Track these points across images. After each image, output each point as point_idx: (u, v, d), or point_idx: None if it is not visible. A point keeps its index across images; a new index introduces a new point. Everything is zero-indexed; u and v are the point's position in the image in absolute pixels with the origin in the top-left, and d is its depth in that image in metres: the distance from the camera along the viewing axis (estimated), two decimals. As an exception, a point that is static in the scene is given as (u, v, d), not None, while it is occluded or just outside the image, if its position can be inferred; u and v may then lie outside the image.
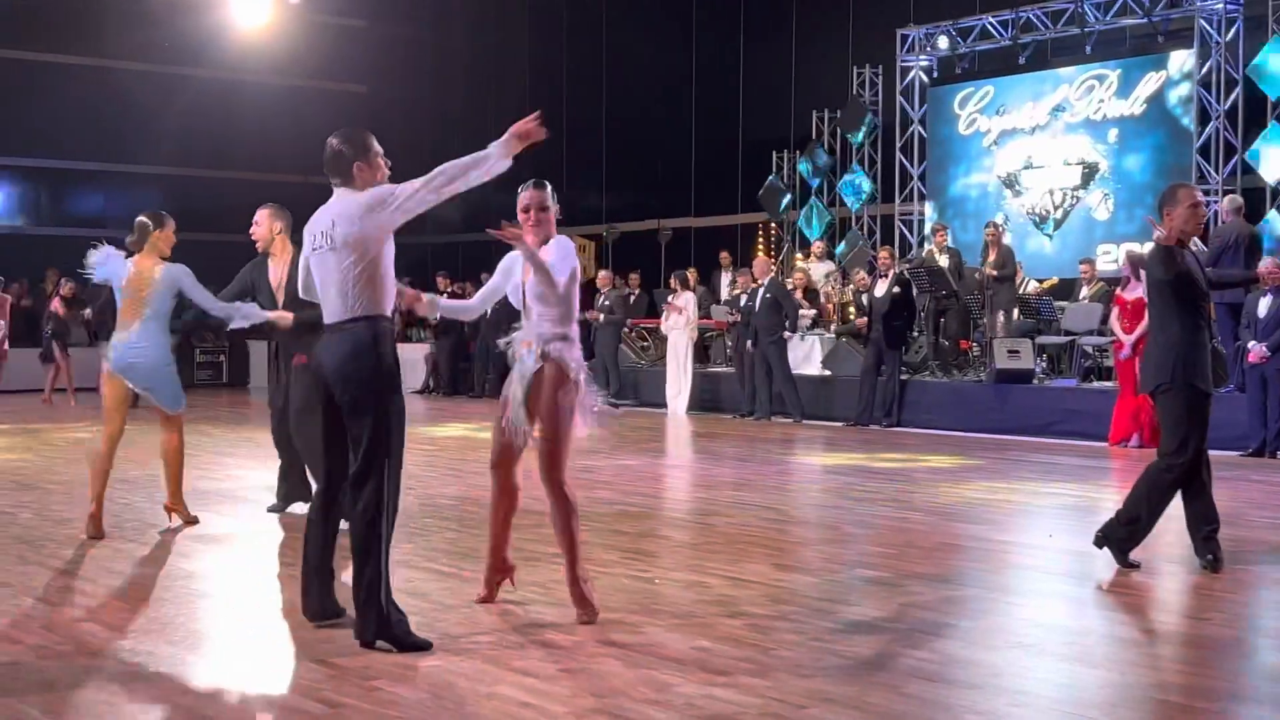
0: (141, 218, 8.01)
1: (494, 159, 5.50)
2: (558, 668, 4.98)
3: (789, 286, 19.08)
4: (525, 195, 5.97)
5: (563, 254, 5.81)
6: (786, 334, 16.79)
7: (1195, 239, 7.28)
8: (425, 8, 28.99)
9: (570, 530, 5.75)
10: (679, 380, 17.99)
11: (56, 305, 20.08)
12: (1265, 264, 12.71)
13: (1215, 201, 16.60)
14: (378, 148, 5.60)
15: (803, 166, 21.90)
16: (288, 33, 26.09)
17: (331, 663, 5.06)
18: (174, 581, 6.67)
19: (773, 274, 17.43)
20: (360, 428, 5.15)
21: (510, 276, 5.90)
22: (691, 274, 19.74)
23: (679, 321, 17.90)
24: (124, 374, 7.87)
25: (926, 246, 17.75)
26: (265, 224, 8.51)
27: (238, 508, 9.14)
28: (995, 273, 15.92)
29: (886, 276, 16.05)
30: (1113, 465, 12.45)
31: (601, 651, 5.21)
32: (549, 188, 6.02)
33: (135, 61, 26.93)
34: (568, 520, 5.75)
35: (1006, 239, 16.86)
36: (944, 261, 16.78)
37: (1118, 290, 13.87)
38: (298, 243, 6.61)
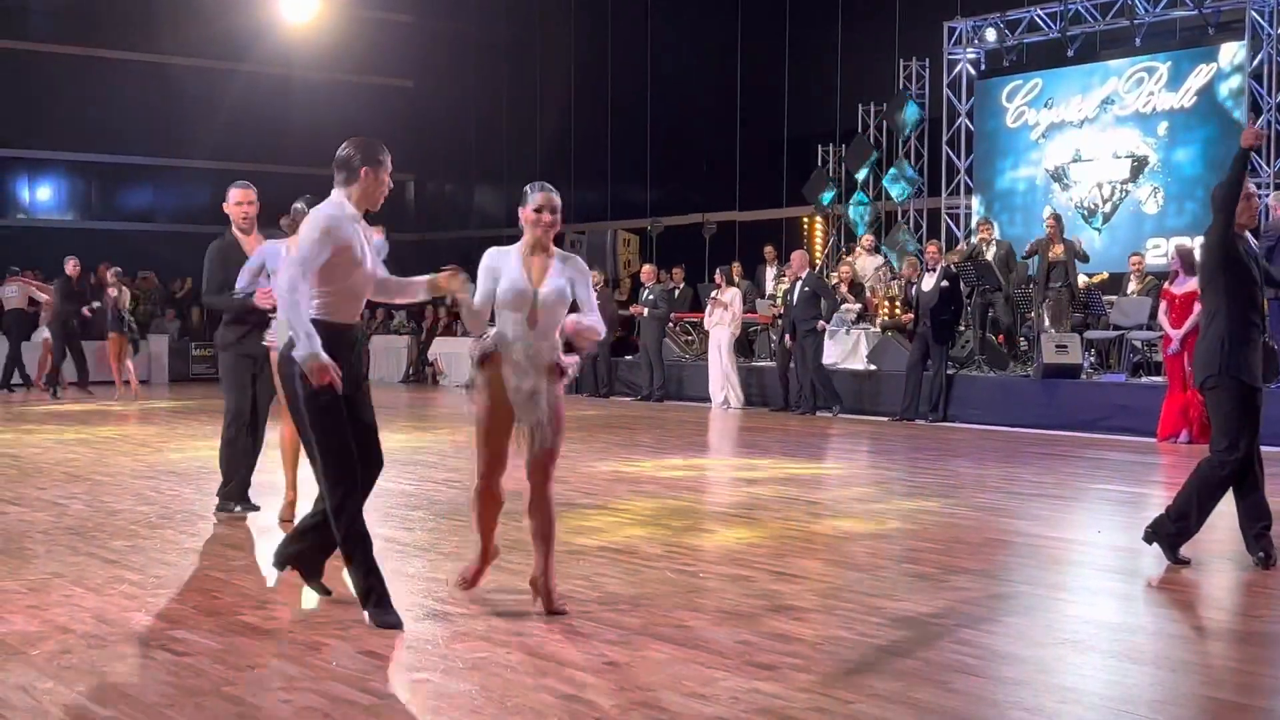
0: (298, 203, 8.05)
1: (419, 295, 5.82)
2: (603, 661, 4.98)
3: (832, 280, 19.07)
4: (540, 197, 5.83)
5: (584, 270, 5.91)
6: (821, 324, 16.74)
7: (1249, 233, 7.21)
8: (470, 2, 29.08)
9: (555, 524, 5.94)
10: (721, 376, 17.98)
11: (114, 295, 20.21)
12: None
13: (1266, 195, 16.41)
14: (389, 166, 5.70)
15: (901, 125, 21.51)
16: (334, 28, 26.26)
17: (379, 654, 5.09)
18: (223, 572, 6.72)
19: (810, 268, 17.36)
20: (298, 418, 5.55)
21: (498, 277, 5.73)
22: (735, 269, 19.75)
23: (724, 317, 17.90)
24: None
25: (973, 240, 17.64)
26: (256, 203, 8.57)
27: (279, 500, 9.18)
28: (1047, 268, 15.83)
29: (934, 270, 15.96)
30: (1161, 461, 12.33)
31: (647, 645, 5.21)
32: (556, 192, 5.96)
33: (185, 57, 27.20)
34: (554, 515, 5.94)
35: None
36: (990, 255, 16.67)
37: (1166, 284, 13.74)
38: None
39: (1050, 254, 15.92)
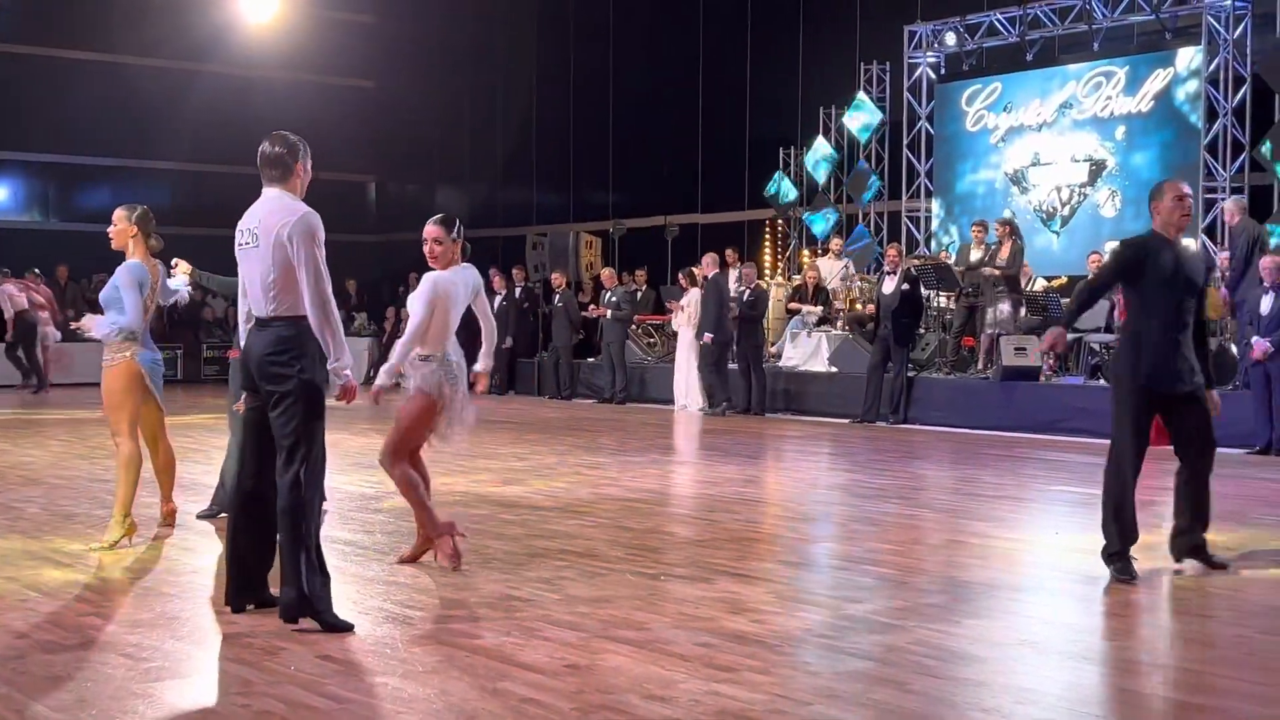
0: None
1: (339, 361, 5.62)
2: (563, 664, 4.98)
3: (795, 283, 19.21)
4: (426, 229, 6.87)
5: (423, 293, 6.73)
6: (707, 336, 17.18)
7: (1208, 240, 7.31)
8: (432, 3, 28.99)
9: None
10: (687, 378, 18.02)
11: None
12: (1265, 261, 12.69)
13: (1223, 198, 16.58)
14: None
15: (860, 132, 21.61)
16: (296, 28, 26.12)
17: (337, 658, 5.07)
18: (180, 577, 6.68)
19: (719, 270, 17.67)
20: (280, 419, 5.46)
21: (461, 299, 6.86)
22: (699, 270, 19.76)
23: (684, 319, 17.96)
24: None
25: (964, 242, 17.69)
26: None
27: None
28: (999, 271, 15.94)
29: (895, 273, 16.04)
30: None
31: (607, 648, 5.21)
32: (454, 224, 6.93)
33: (144, 57, 26.98)
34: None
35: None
36: (975, 256, 16.71)
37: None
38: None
39: (1000, 256, 16.13)
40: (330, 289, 5.57)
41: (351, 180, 30.15)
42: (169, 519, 7.96)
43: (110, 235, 7.72)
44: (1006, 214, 18.28)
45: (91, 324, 7.63)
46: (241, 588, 5.74)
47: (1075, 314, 7.53)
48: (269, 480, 5.55)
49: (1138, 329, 6.82)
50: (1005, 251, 16.16)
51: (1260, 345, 12.46)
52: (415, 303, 6.71)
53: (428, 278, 6.80)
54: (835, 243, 20.67)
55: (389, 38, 29.71)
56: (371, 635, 5.41)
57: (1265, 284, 12.59)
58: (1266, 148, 16.16)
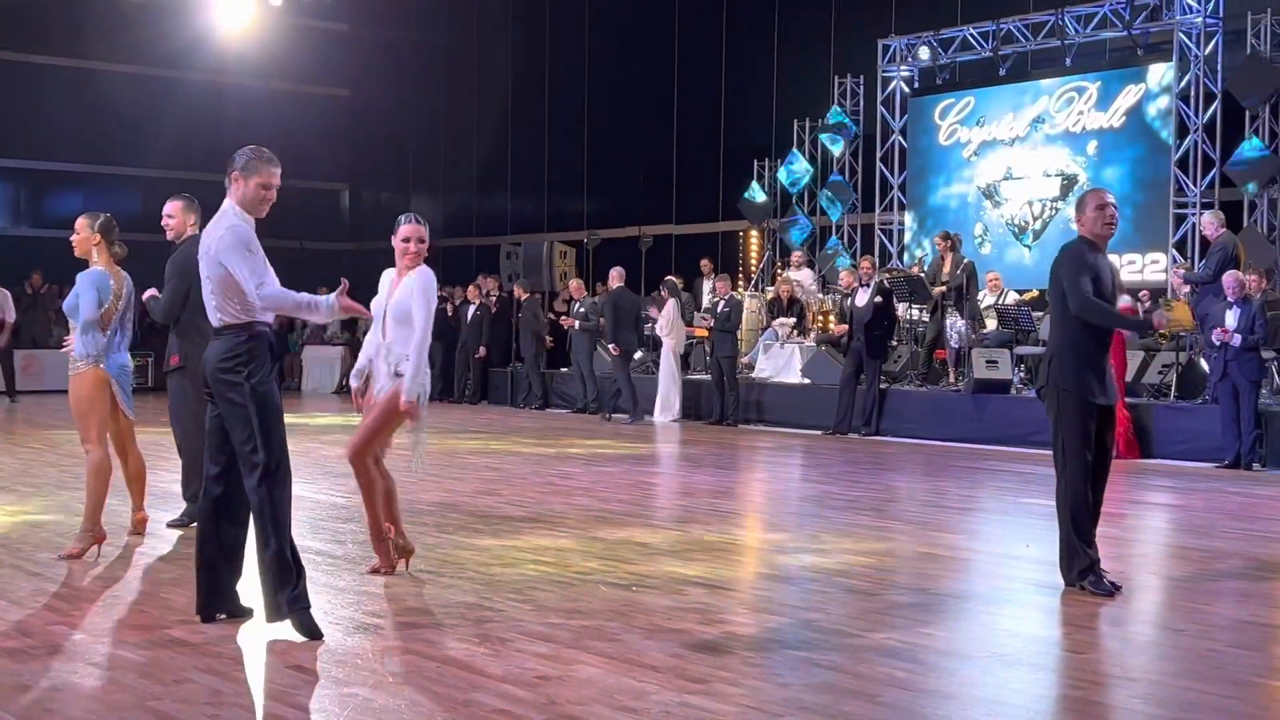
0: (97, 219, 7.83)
1: (320, 314, 5.70)
2: (534, 675, 4.98)
3: (769, 295, 19.30)
4: (407, 228, 6.78)
5: (425, 290, 6.67)
6: (613, 347, 17.94)
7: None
8: (408, 11, 28.96)
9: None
10: (667, 388, 18.11)
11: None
12: (1228, 278, 12.77)
13: (1193, 214, 16.71)
14: (273, 180, 5.77)
15: (824, 138, 21.70)
16: (270, 36, 26.04)
17: (307, 668, 5.05)
18: (150, 585, 6.64)
19: (620, 285, 18.36)
20: (236, 428, 5.50)
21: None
22: (677, 281, 19.89)
23: (661, 329, 18.07)
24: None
25: (935, 256, 17.78)
26: (179, 216, 8.37)
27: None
28: (943, 287, 16.19)
29: (868, 286, 16.11)
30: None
31: (579, 659, 5.21)
32: (425, 224, 6.89)
33: (118, 64, 26.84)
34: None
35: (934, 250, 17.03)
36: (946, 270, 16.81)
37: None
38: None
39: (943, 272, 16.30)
40: (273, 287, 5.53)
41: (326, 189, 30.08)
42: (139, 527, 7.92)
43: (73, 243, 7.71)
44: (980, 228, 18.37)
45: (70, 344, 7.58)
46: (211, 597, 5.72)
47: (1113, 314, 6.97)
48: (235, 485, 5.58)
49: (1076, 341, 6.69)
50: (947, 266, 16.37)
51: (1218, 333, 12.52)
52: (421, 301, 6.62)
53: (427, 274, 6.73)
54: (795, 255, 20.79)
55: (364, 46, 29.66)
56: (342, 645, 5.39)
57: (1229, 299, 12.69)
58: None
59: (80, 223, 7.73)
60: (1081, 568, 6.67)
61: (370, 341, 6.90)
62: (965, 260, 17.01)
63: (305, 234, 28.55)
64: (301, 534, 8.13)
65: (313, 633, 5.45)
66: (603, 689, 4.80)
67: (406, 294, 6.66)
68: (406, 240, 6.76)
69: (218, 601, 5.74)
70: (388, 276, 6.84)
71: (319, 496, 9.85)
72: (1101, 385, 6.71)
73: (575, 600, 6.29)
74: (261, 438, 5.49)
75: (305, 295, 5.66)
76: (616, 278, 18.34)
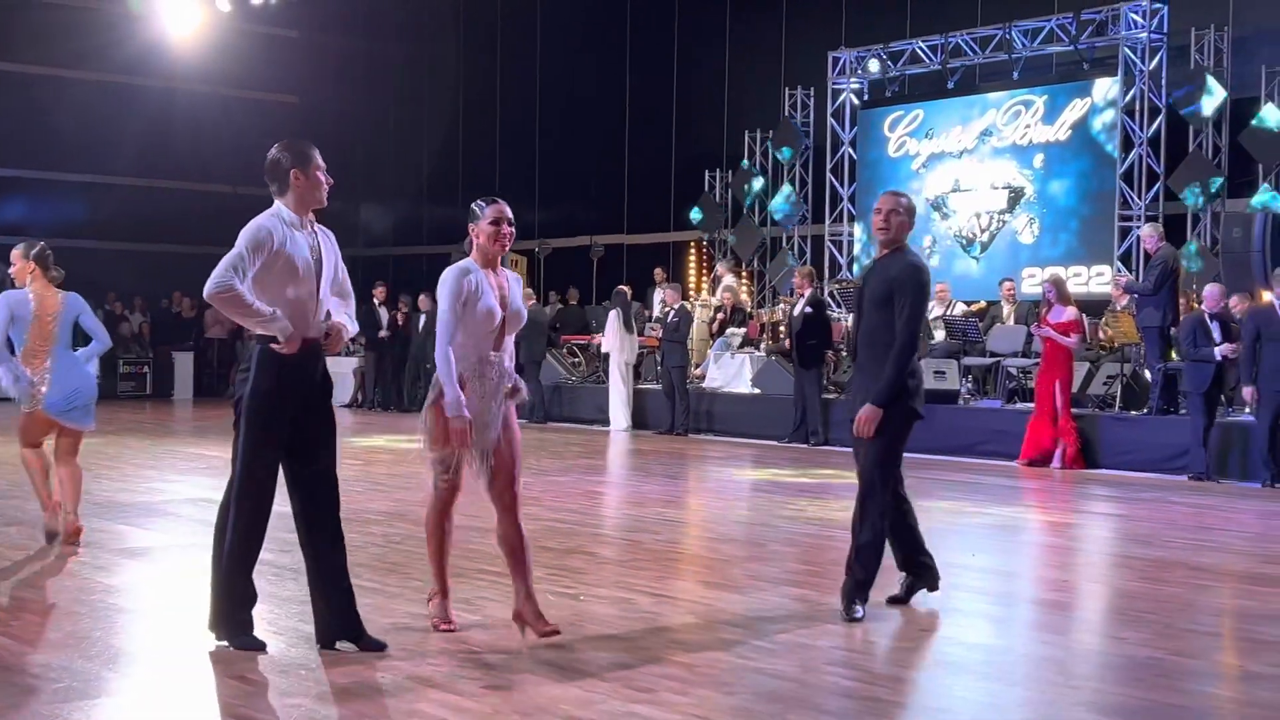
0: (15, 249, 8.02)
1: (275, 324, 5.24)
2: (480, 685, 4.95)
3: (713, 305, 19.43)
4: (495, 208, 5.77)
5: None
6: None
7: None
8: (357, 18, 28.84)
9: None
10: (615, 400, 18.15)
11: None
12: (1214, 288, 12.85)
13: (1138, 226, 16.89)
14: (319, 161, 5.50)
15: (783, 153, 21.80)
16: (219, 42, 25.86)
17: (250, 679, 5.01)
18: (92, 595, 6.56)
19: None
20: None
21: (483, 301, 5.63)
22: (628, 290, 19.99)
23: (605, 343, 18.23)
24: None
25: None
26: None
27: (159, 521, 9.03)
28: None
29: (804, 297, 16.17)
30: (1033, 485, 12.58)
31: (526, 668, 5.19)
32: None
33: (63, 69, 26.55)
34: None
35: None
36: None
37: (1042, 313, 14.04)
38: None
39: None
40: (224, 270, 5.16)
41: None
42: (73, 537, 7.82)
43: (11, 275, 8.03)
44: (929, 240, 18.47)
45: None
46: (321, 624, 5.53)
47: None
48: (311, 506, 5.52)
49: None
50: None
51: (1227, 348, 12.62)
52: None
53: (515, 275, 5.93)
54: (720, 267, 20.97)
55: (313, 53, 29.51)
56: (286, 656, 5.35)
57: (1208, 311, 12.76)
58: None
59: (15, 254, 8.06)
60: (860, 579, 6.35)
61: (476, 356, 5.66)
62: None
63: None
64: (247, 543, 8.07)
65: (248, 646, 5.36)
66: (549, 698, 4.78)
67: (519, 297, 5.79)
68: (497, 223, 5.71)
69: (341, 629, 5.48)
70: (470, 274, 5.65)
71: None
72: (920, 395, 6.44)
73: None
74: (239, 446, 5.36)
75: (263, 306, 5.23)
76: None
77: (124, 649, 5.50)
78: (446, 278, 5.61)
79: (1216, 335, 12.67)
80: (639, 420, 18.21)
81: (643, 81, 24.65)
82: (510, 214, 5.75)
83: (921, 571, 6.62)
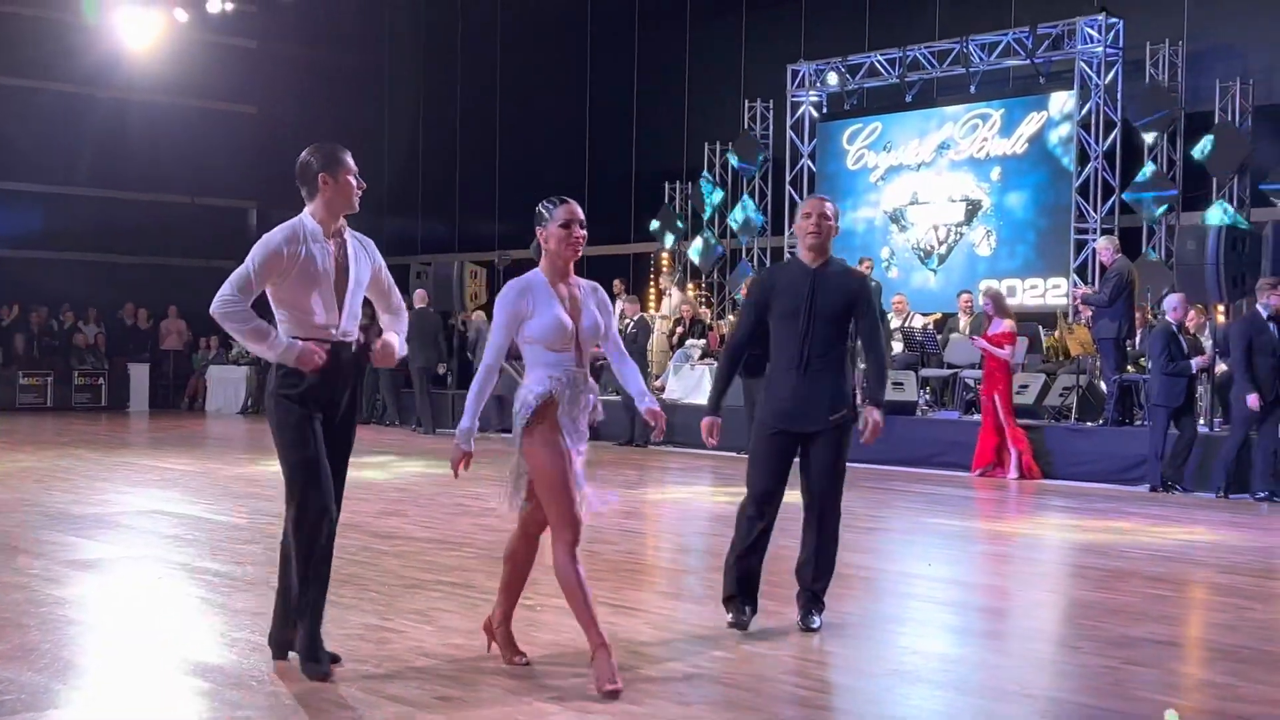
0: None
1: (272, 351, 5.03)
2: (434, 696, 4.92)
3: (671, 317, 19.45)
4: (566, 209, 5.23)
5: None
6: (441, 366, 19.82)
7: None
8: (317, 29, 28.73)
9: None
10: None
11: None
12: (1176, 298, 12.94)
13: (1094, 239, 17.02)
14: (350, 165, 5.36)
15: (734, 160, 21.86)
16: (176, 52, 25.69)
17: (204, 689, 4.95)
18: (41, 607, 6.47)
19: (424, 305, 19.49)
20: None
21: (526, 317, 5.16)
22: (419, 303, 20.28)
23: None
24: None
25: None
26: None
27: (111, 533, 8.93)
28: None
29: None
30: (990, 496, 12.64)
31: (481, 679, 5.16)
32: None
33: (17, 79, 26.30)
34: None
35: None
36: None
37: (986, 329, 14.15)
38: None
39: None
40: (229, 287, 5.02)
41: (233, 206, 29.69)
42: None
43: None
44: (887, 252, 18.58)
45: None
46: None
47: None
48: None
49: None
50: None
51: (1202, 360, 12.69)
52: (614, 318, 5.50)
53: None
54: (662, 281, 21.08)
55: (273, 63, 29.36)
56: (238, 667, 5.29)
57: (1174, 323, 12.81)
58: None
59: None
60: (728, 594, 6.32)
61: (543, 374, 5.17)
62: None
63: (212, 253, 28.20)
64: (200, 555, 8.02)
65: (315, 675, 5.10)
66: (505, 710, 4.75)
67: (594, 310, 5.34)
68: (568, 225, 5.19)
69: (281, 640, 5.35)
70: (528, 290, 5.19)
71: (219, 518, 9.70)
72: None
73: (478, 621, 6.22)
74: (280, 459, 5.11)
75: (264, 324, 5.06)
76: (420, 299, 19.48)
77: (73, 661, 5.43)
78: (504, 294, 5.18)
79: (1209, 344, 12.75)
80: (596, 432, 18.17)
81: (603, 92, 24.67)
82: (581, 214, 5.24)
83: (755, 599, 6.31)
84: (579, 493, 5.18)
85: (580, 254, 5.26)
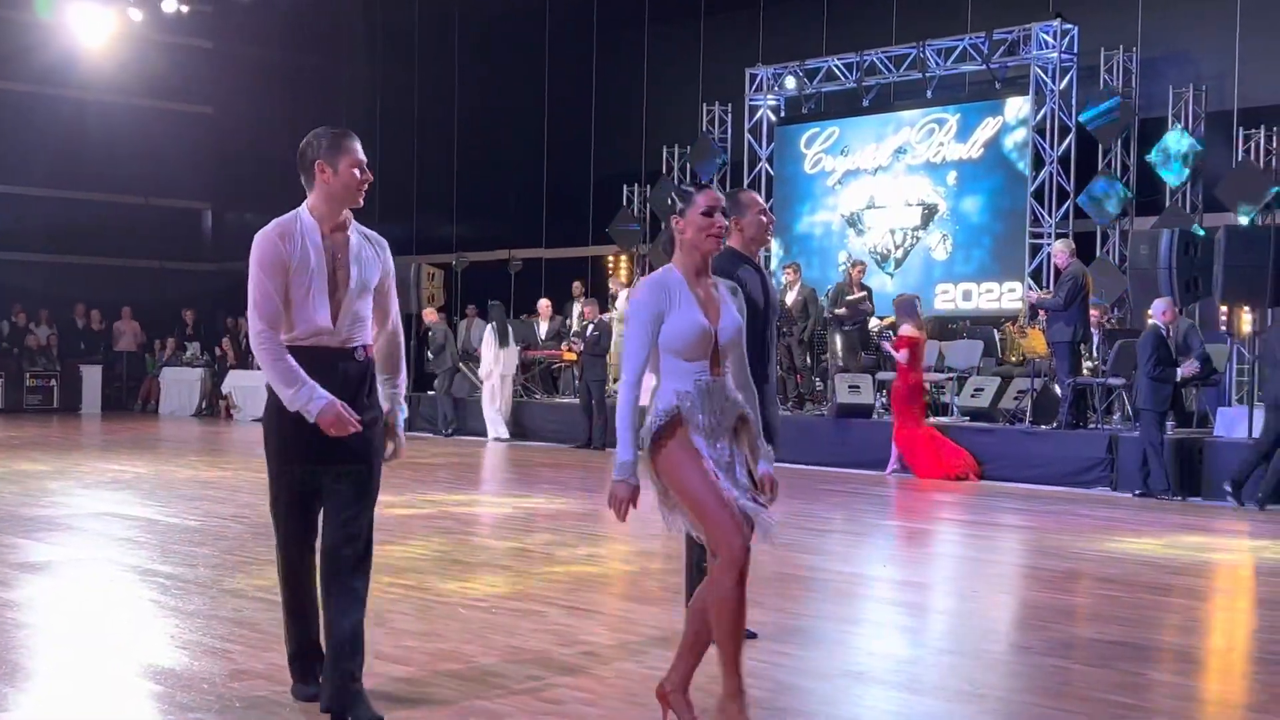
0: None
1: (296, 402, 4.43)
2: (387, 700, 4.89)
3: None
4: (708, 196, 4.45)
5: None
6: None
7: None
8: (273, 30, 28.54)
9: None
10: (491, 412, 18.66)
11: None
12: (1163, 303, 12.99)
13: (1049, 243, 17.15)
14: (356, 154, 4.68)
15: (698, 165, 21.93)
16: (132, 52, 25.50)
17: (155, 693, 4.91)
18: (-11, 611, 6.41)
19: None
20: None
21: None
22: (545, 306, 20.11)
23: (482, 370, 18.83)
24: None
25: (781, 283, 17.99)
26: None
27: (62, 535, 8.84)
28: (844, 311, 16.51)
29: None
30: (946, 498, 12.70)
31: (434, 682, 5.14)
32: None
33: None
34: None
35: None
36: (791, 298, 17.05)
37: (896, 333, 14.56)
38: None
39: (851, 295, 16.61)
40: (256, 319, 4.49)
41: (188, 207, 29.49)
42: None
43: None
44: (844, 256, 18.64)
45: None
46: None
47: None
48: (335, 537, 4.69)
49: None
50: (791, 296, 16.89)
51: (1188, 367, 12.75)
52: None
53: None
54: (611, 284, 21.12)
55: (228, 64, 29.17)
56: (189, 670, 5.25)
57: (1162, 326, 12.85)
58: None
59: None
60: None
61: (669, 390, 4.38)
62: (808, 288, 17.45)
63: (166, 254, 27.97)
64: (152, 557, 7.95)
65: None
66: (456, 711, 4.73)
67: (735, 312, 4.48)
68: (710, 213, 4.42)
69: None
70: (675, 284, 4.41)
71: (171, 520, 9.62)
72: None
73: (432, 623, 6.21)
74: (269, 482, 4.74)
75: (293, 366, 4.46)
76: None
77: (22, 664, 5.37)
78: (640, 293, 4.41)
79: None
80: (559, 435, 18.16)
81: (561, 95, 24.65)
82: (723, 200, 4.51)
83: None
84: (737, 508, 4.34)
85: (721, 247, 4.53)
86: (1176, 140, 16.40)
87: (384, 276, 4.78)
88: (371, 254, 4.72)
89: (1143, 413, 12.65)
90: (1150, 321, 12.96)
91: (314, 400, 4.42)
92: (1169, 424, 13.73)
